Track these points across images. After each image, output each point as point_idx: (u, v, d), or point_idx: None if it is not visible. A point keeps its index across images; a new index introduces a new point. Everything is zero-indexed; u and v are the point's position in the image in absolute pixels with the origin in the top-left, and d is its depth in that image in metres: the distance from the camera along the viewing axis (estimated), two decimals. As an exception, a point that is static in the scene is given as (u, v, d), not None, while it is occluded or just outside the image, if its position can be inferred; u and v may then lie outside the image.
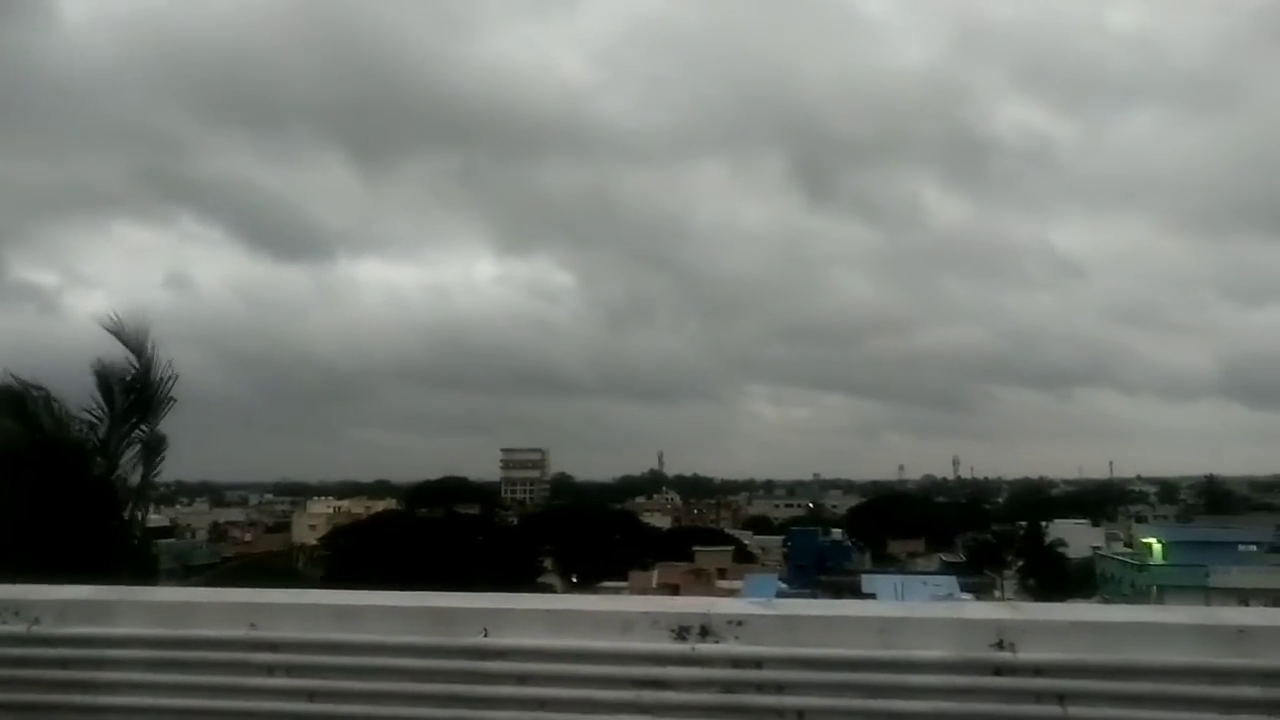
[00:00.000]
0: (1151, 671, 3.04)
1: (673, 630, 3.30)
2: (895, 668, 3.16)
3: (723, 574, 57.71)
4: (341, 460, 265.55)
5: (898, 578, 46.48)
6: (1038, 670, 3.08)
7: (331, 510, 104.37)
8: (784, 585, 46.28)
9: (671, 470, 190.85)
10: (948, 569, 62.61)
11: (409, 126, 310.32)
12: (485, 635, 3.40)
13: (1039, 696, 3.08)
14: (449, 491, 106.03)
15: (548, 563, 70.32)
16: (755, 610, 3.36)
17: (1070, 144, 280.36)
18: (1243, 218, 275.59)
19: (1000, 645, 3.11)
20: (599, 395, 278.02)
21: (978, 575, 62.71)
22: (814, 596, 37.83)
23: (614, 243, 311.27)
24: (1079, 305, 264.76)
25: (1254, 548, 52.51)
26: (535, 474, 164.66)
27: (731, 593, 43.72)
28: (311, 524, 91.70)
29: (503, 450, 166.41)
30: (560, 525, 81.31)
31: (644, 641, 3.31)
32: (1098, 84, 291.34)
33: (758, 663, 3.23)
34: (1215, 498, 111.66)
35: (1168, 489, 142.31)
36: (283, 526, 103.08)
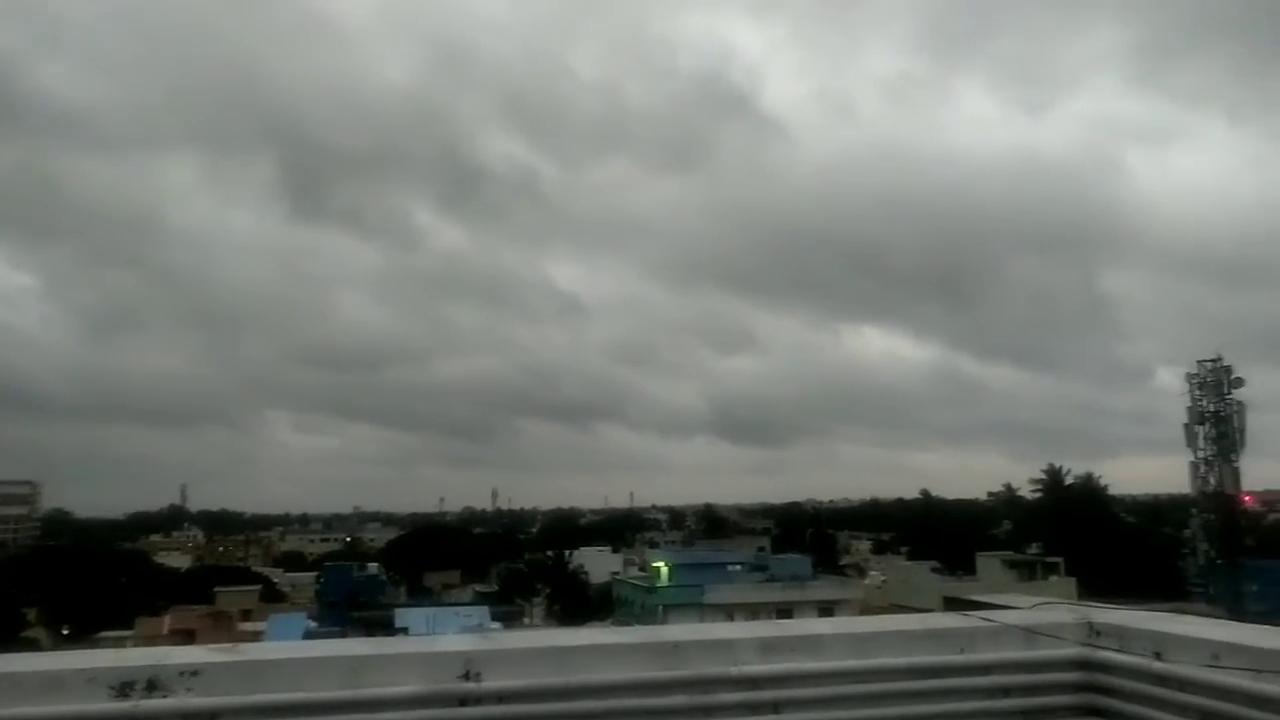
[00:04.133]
0: (602, 689, 3.31)
1: (113, 687, 2.95)
2: (363, 707, 3.10)
3: (247, 615, 54.31)
4: None
5: (431, 610, 46.52)
6: (500, 698, 3.21)
7: None
8: (313, 624, 44.12)
9: (196, 505, 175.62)
10: (481, 599, 64.16)
11: None
12: None
13: (499, 723, 3.20)
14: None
15: (32, 614, 60.80)
16: (214, 658, 3.13)
17: (555, 181, 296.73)
18: (710, 273, 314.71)
19: (467, 676, 3.18)
20: (96, 419, 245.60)
21: (509, 604, 65.02)
22: (344, 634, 36.54)
23: (73, 238, 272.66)
24: (585, 342, 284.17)
25: (739, 567, 60.33)
26: (22, 510, 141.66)
27: (256, 635, 40.87)
28: None
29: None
30: (51, 569, 70.79)
31: (75, 703, 2.91)
32: (573, 126, 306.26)
33: (213, 715, 2.99)
34: (713, 524, 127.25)
35: (676, 517, 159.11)
36: None
